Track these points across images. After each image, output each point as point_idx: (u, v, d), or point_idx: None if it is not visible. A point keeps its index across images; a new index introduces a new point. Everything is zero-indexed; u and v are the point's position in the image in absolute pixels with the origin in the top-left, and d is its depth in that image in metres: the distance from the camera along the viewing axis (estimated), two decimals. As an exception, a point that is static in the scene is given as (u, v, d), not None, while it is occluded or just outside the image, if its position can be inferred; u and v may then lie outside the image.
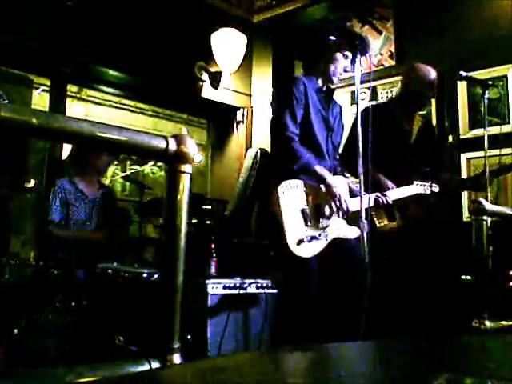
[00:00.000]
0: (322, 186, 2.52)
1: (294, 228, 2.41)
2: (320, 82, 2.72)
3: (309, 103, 2.60)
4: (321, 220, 2.52)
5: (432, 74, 3.15)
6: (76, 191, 3.52)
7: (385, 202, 2.78)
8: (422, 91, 3.17)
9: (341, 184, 2.66)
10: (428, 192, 2.98)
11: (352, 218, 2.57)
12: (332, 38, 2.62)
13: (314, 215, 2.50)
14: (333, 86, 2.78)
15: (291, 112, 2.54)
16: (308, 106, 2.60)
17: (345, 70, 2.71)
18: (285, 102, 2.58)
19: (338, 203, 2.53)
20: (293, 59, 4.75)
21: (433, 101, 3.85)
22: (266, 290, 2.98)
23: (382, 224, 2.97)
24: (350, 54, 2.68)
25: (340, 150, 3.01)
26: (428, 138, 3.29)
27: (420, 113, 3.40)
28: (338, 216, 2.56)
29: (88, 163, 3.59)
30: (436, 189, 3.01)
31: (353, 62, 2.66)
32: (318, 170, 2.51)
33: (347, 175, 2.88)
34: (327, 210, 2.55)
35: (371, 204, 2.70)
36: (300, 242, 2.41)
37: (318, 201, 2.53)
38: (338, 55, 2.67)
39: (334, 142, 2.74)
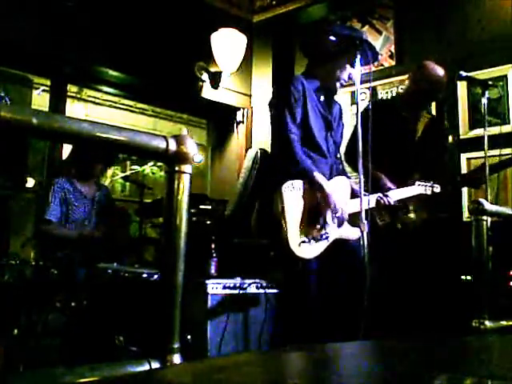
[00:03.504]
0: (318, 194, 2.50)
1: (296, 229, 2.41)
2: (322, 82, 2.71)
3: (307, 102, 2.58)
4: (322, 221, 2.51)
5: (441, 72, 3.13)
6: (75, 190, 3.53)
7: (386, 203, 2.77)
8: (431, 90, 3.15)
9: (341, 188, 2.64)
10: (429, 192, 2.98)
11: (354, 219, 2.56)
12: (347, 43, 2.59)
13: (316, 216, 2.50)
14: (338, 88, 2.76)
15: (291, 112, 2.52)
16: (306, 106, 2.58)
17: (349, 78, 2.70)
18: (284, 102, 2.56)
19: (333, 212, 2.52)
20: (293, 59, 4.75)
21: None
22: (266, 290, 2.98)
23: (384, 222, 2.97)
24: (358, 64, 2.63)
25: (343, 150, 3.01)
26: (433, 136, 3.28)
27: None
28: (335, 224, 2.55)
29: (84, 169, 3.60)
30: (437, 189, 3.01)
31: (353, 62, 2.65)
32: (315, 177, 2.48)
33: (349, 175, 2.88)
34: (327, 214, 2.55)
35: (373, 205, 2.70)
36: (302, 243, 2.40)
37: (319, 202, 2.53)
38: (348, 63, 2.65)
39: (334, 140, 2.73)
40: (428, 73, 3.13)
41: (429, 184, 2.98)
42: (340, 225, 2.55)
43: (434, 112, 3.95)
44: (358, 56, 2.53)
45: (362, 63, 2.57)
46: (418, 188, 2.95)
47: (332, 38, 2.62)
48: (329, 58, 2.67)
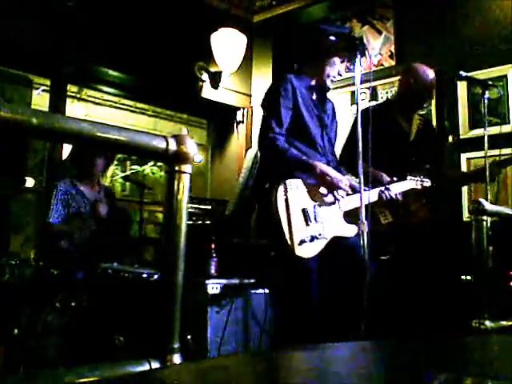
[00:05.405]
0: (314, 180, 2.50)
1: (295, 228, 2.41)
2: (313, 80, 2.72)
3: (298, 101, 2.59)
4: (320, 219, 2.51)
5: (429, 74, 3.14)
6: (77, 192, 3.52)
7: (389, 197, 2.77)
8: (419, 92, 3.16)
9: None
10: (419, 187, 2.96)
11: (353, 216, 2.57)
12: (332, 39, 2.61)
13: (314, 215, 2.50)
14: (329, 85, 2.77)
15: (277, 113, 2.53)
16: (298, 104, 2.59)
17: (339, 74, 2.71)
18: (272, 103, 2.58)
19: (336, 186, 2.51)
20: (293, 59, 4.75)
21: (433, 101, 3.84)
22: (266, 290, 2.98)
23: (387, 221, 2.96)
24: (346, 59, 2.68)
25: (339, 150, 3.01)
26: (427, 136, 3.29)
27: (421, 112, 3.40)
28: (338, 203, 2.55)
29: (86, 167, 3.59)
30: (428, 183, 3.00)
31: (352, 62, 2.66)
32: (306, 160, 2.49)
33: (345, 172, 2.87)
34: (328, 199, 2.55)
35: (375, 199, 2.70)
36: (301, 242, 2.40)
37: (317, 200, 2.53)
38: (336, 59, 2.67)
39: (329, 138, 2.74)
40: (416, 76, 3.14)
41: (418, 178, 2.97)
42: (346, 196, 2.55)
43: (433, 112, 3.96)
44: (348, 53, 2.56)
45: (351, 59, 2.59)
46: (410, 182, 2.94)
47: (320, 36, 2.66)
48: (317, 55, 2.69)
